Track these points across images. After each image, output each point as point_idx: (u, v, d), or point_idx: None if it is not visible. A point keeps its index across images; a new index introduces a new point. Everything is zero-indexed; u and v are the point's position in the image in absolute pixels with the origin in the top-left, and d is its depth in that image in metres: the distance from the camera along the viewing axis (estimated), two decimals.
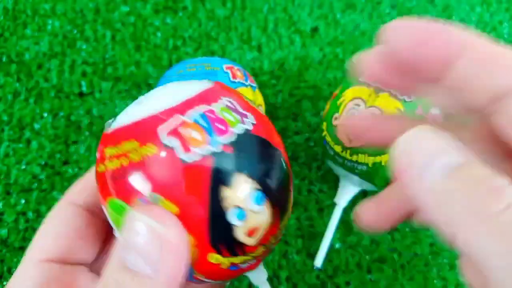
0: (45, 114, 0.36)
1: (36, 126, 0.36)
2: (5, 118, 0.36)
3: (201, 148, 0.13)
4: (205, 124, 0.13)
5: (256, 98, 0.32)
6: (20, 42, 0.39)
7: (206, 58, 0.33)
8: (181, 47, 0.40)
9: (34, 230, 0.32)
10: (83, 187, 0.17)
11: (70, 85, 0.38)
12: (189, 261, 0.13)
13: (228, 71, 0.31)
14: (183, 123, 0.13)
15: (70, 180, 0.34)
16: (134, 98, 0.37)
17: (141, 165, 0.13)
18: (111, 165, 0.14)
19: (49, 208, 0.33)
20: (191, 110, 0.13)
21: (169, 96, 0.14)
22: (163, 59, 0.39)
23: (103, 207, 0.15)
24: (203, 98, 0.14)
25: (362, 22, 0.43)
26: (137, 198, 0.13)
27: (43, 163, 0.35)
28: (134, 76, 0.38)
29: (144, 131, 0.13)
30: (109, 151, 0.14)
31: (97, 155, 0.15)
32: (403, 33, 0.13)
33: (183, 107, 0.14)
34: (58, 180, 0.34)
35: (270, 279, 0.31)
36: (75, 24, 0.40)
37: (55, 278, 0.15)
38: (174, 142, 0.13)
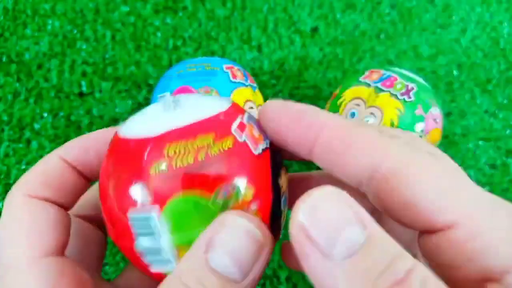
0: (45, 114, 0.36)
1: (36, 126, 0.36)
2: (5, 118, 0.36)
3: (261, 144, 0.15)
4: (255, 125, 0.15)
5: (256, 98, 0.32)
6: (20, 42, 0.39)
7: (206, 58, 0.33)
8: (181, 47, 0.40)
9: None
10: (34, 178, 0.15)
11: (70, 85, 0.38)
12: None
13: (228, 71, 0.31)
14: (242, 123, 0.15)
15: None
16: (134, 98, 0.37)
17: (221, 158, 0.14)
18: (180, 163, 0.14)
19: None
20: (241, 114, 0.15)
21: (203, 107, 0.15)
22: (163, 59, 0.39)
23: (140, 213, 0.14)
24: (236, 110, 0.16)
25: (362, 22, 0.43)
26: (219, 188, 0.14)
27: None
28: (134, 76, 0.38)
29: (218, 127, 0.15)
30: (171, 150, 0.14)
31: (141, 160, 0.14)
32: (276, 116, 0.14)
33: (232, 112, 0.15)
34: None
35: (270, 279, 0.31)
36: (75, 24, 0.40)
37: (61, 273, 0.14)
38: (245, 137, 0.15)
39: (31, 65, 0.38)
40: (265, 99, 0.37)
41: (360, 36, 0.42)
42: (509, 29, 0.44)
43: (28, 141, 0.35)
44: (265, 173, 0.15)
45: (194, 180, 0.14)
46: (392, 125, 0.29)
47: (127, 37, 0.40)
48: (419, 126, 0.28)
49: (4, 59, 0.39)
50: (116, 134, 0.15)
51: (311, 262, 0.10)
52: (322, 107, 0.37)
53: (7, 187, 0.34)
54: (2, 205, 0.33)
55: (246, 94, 0.31)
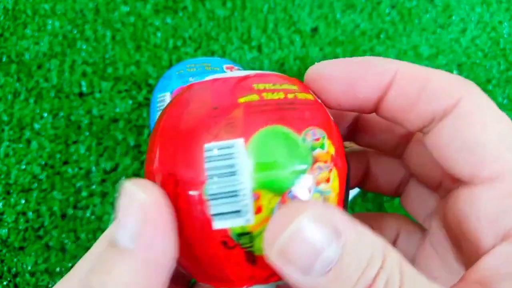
0: (45, 114, 0.36)
1: (36, 126, 0.36)
2: (5, 118, 0.36)
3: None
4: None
5: None
6: (20, 42, 0.39)
7: (206, 58, 0.33)
8: (181, 47, 0.40)
9: (34, 230, 0.33)
10: None
11: (70, 85, 0.38)
12: (175, 243, 0.12)
13: (228, 71, 0.31)
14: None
15: (70, 180, 0.34)
16: (134, 98, 0.37)
17: (308, 104, 0.14)
18: (271, 96, 0.13)
19: (49, 208, 0.33)
20: None
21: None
22: (163, 59, 0.39)
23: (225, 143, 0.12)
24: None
25: (362, 22, 0.43)
26: (308, 129, 0.13)
27: (43, 163, 0.35)
28: (134, 76, 0.38)
29: (298, 83, 0.15)
30: (260, 86, 0.13)
31: (227, 91, 0.13)
32: (334, 72, 0.14)
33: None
34: (58, 180, 0.34)
35: None
36: (75, 24, 0.40)
37: None
38: (321, 102, 0.15)
39: (31, 65, 0.38)
40: None
41: (360, 36, 0.42)
42: (509, 29, 0.44)
43: (28, 141, 0.35)
44: (340, 139, 0.14)
45: (285, 114, 0.13)
46: None
47: (127, 37, 0.40)
48: None
49: (4, 59, 0.39)
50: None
51: (292, 279, 0.11)
52: None
53: (7, 187, 0.34)
54: (2, 205, 0.33)
55: None
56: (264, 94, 0.13)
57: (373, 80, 0.14)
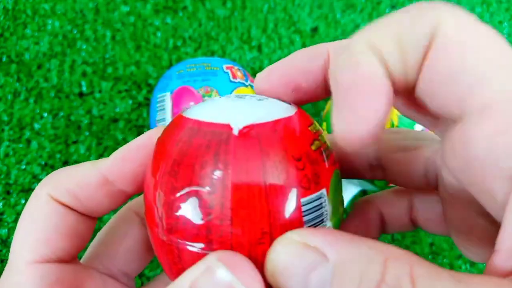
0: (45, 114, 0.36)
1: (36, 126, 0.36)
2: (5, 118, 0.36)
3: None
4: None
5: None
6: (20, 42, 0.39)
7: (206, 58, 0.33)
8: (181, 47, 0.40)
9: None
10: (68, 186, 0.15)
11: (70, 85, 0.38)
12: None
13: (228, 71, 0.31)
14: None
15: None
16: (134, 98, 0.37)
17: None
18: (323, 140, 0.14)
19: None
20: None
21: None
22: (163, 59, 0.39)
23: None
24: None
25: (362, 22, 0.43)
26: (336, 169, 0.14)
27: (43, 163, 0.35)
28: (134, 76, 0.38)
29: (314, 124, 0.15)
30: (313, 128, 0.14)
31: (300, 139, 0.13)
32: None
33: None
34: None
35: None
36: (75, 24, 0.40)
37: (57, 280, 0.14)
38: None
39: (31, 65, 0.38)
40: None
41: None
42: (509, 29, 0.44)
43: (28, 141, 0.35)
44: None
45: (333, 154, 0.14)
46: (392, 125, 0.29)
47: (127, 37, 0.40)
48: (419, 126, 0.28)
49: (4, 59, 0.39)
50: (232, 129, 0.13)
51: None
52: (322, 108, 0.37)
53: (7, 187, 0.34)
54: (2, 205, 0.33)
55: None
56: (320, 138, 0.14)
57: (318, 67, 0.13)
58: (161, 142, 0.14)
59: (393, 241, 0.33)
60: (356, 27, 0.42)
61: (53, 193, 0.14)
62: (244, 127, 0.12)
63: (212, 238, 0.12)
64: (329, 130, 0.30)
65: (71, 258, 0.15)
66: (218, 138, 0.12)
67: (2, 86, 0.37)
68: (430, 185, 0.16)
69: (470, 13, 0.11)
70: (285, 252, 0.11)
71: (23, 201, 0.33)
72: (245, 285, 0.11)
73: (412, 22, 0.11)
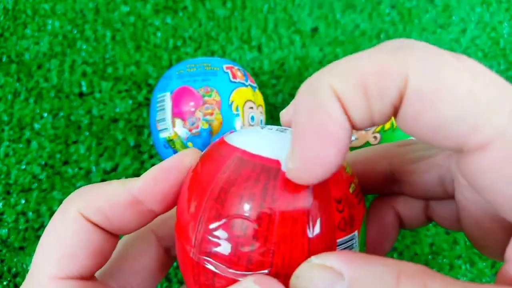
0: (45, 114, 0.36)
1: (36, 126, 0.36)
2: (5, 118, 0.36)
3: None
4: None
5: (256, 98, 0.32)
6: (20, 42, 0.39)
7: (206, 58, 0.33)
8: (181, 47, 0.40)
9: (34, 230, 0.33)
10: (98, 205, 0.15)
11: (70, 85, 0.38)
12: None
13: (228, 71, 0.31)
14: None
15: (70, 180, 0.34)
16: (134, 98, 0.37)
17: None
18: (357, 181, 0.15)
19: (49, 208, 0.33)
20: None
21: None
22: (163, 59, 0.39)
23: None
24: None
25: (362, 22, 0.43)
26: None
27: (43, 163, 0.35)
28: (134, 76, 0.38)
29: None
30: (348, 170, 0.14)
31: (341, 183, 0.13)
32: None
33: None
34: (58, 180, 0.34)
35: None
36: (75, 24, 0.40)
37: None
38: None
39: (31, 65, 0.38)
40: (265, 99, 0.37)
41: (360, 36, 0.42)
42: (509, 29, 0.44)
43: (28, 141, 0.35)
44: None
45: (363, 197, 0.14)
46: (392, 125, 0.29)
47: (127, 37, 0.40)
48: None
49: (4, 59, 0.39)
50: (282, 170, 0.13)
51: None
52: None
53: (7, 187, 0.34)
54: (2, 205, 0.33)
55: (246, 94, 0.31)
56: (355, 180, 0.14)
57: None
58: (206, 167, 0.14)
59: None
60: (356, 27, 0.42)
61: (83, 210, 0.15)
62: None
63: (251, 267, 0.12)
64: None
65: (91, 275, 0.15)
66: (267, 172, 0.13)
67: (2, 86, 0.37)
68: (447, 193, 0.16)
69: (440, 51, 0.11)
70: (304, 274, 0.12)
71: (23, 201, 0.33)
72: None
73: (380, 72, 0.11)
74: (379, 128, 0.30)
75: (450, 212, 0.17)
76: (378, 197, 0.19)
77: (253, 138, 0.14)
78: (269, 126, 0.15)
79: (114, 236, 0.16)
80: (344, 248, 0.13)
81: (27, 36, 0.40)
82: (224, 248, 0.12)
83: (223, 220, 0.12)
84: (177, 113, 0.30)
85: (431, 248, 0.33)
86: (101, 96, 0.37)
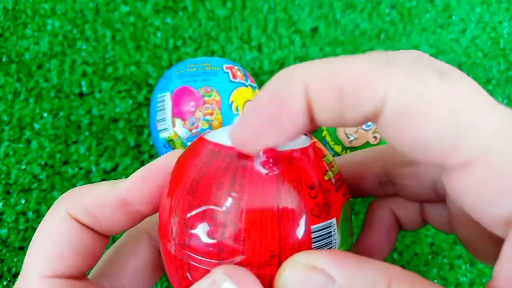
0: (45, 114, 0.36)
1: (36, 126, 0.36)
2: (5, 118, 0.36)
3: None
4: None
5: None
6: (20, 42, 0.39)
7: (206, 58, 0.33)
8: (181, 47, 0.40)
9: (34, 230, 0.33)
10: (86, 205, 0.15)
11: (70, 85, 0.38)
12: None
13: (228, 71, 0.31)
14: None
15: (70, 180, 0.34)
16: (134, 98, 0.37)
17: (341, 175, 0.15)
18: (336, 170, 0.14)
19: (49, 208, 0.33)
20: None
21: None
22: (163, 59, 0.39)
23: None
24: None
25: (362, 22, 0.43)
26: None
27: (43, 163, 0.35)
28: (134, 76, 0.38)
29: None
30: (326, 159, 0.14)
31: (312, 169, 0.13)
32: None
33: None
34: (58, 180, 0.34)
35: None
36: (75, 24, 0.40)
37: None
38: None
39: (31, 65, 0.38)
40: None
41: (360, 36, 0.42)
42: (509, 29, 0.44)
43: (28, 141, 0.35)
44: None
45: (345, 186, 0.14)
46: None
47: (127, 37, 0.40)
48: None
49: (4, 59, 0.39)
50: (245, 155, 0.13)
51: None
52: None
53: (7, 187, 0.34)
54: (2, 205, 0.33)
55: (246, 94, 0.31)
56: (333, 169, 0.14)
57: (288, 114, 0.12)
58: (181, 162, 0.14)
59: None
60: (356, 27, 0.42)
61: (72, 210, 0.15)
62: (262, 154, 0.13)
63: (223, 256, 0.12)
64: (329, 130, 0.30)
65: (82, 275, 0.15)
66: (237, 161, 0.13)
67: (2, 86, 0.37)
68: (440, 197, 0.16)
69: (426, 69, 0.10)
70: (293, 276, 0.11)
71: (23, 201, 0.33)
72: None
73: (360, 83, 0.10)
74: None
75: (444, 215, 0.17)
76: (375, 200, 0.19)
77: (228, 132, 0.14)
78: None
79: (104, 236, 0.16)
80: (321, 235, 0.13)
81: (27, 36, 0.40)
82: (197, 238, 0.12)
83: (195, 211, 0.13)
84: (177, 113, 0.30)
85: (431, 248, 0.33)
86: (101, 96, 0.37)
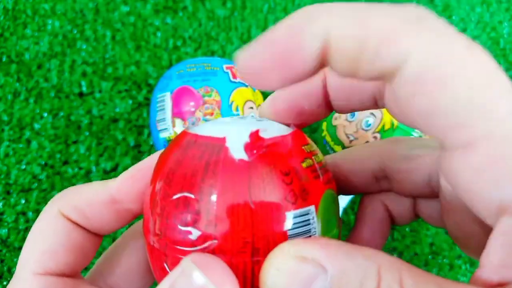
0: (45, 114, 0.36)
1: (36, 126, 0.36)
2: (5, 118, 0.36)
3: None
4: None
5: (256, 98, 0.32)
6: (20, 42, 0.39)
7: (206, 58, 0.33)
8: (181, 47, 0.40)
9: None
10: (77, 204, 0.15)
11: (70, 85, 0.38)
12: None
13: (228, 71, 0.31)
14: None
15: (70, 180, 0.34)
16: (134, 98, 0.37)
17: (324, 164, 0.15)
18: (317, 159, 0.14)
19: None
20: None
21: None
22: (163, 59, 0.39)
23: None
24: None
25: None
26: (335, 189, 0.15)
27: (43, 163, 0.35)
28: (134, 76, 0.38)
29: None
30: (307, 148, 0.14)
31: (289, 156, 0.13)
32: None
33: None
34: (58, 180, 0.34)
35: None
36: (75, 24, 0.40)
37: None
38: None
39: (31, 65, 0.38)
40: (265, 99, 0.37)
41: None
42: (509, 29, 0.44)
43: (28, 141, 0.35)
44: None
45: (328, 175, 0.14)
46: (392, 125, 0.29)
47: (127, 37, 0.40)
48: None
49: (4, 59, 0.39)
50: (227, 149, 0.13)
51: None
52: None
53: (7, 187, 0.34)
54: (2, 205, 0.33)
55: (246, 94, 0.31)
56: (315, 157, 0.14)
57: (303, 57, 0.11)
58: (162, 155, 0.14)
59: (393, 241, 0.33)
60: None
61: (63, 209, 0.15)
62: (243, 142, 0.13)
63: (197, 243, 0.12)
64: (329, 130, 0.30)
65: (74, 273, 0.15)
66: (211, 149, 0.13)
67: (2, 86, 0.37)
68: (434, 193, 0.16)
69: (455, 36, 0.10)
70: (284, 268, 0.11)
71: (23, 201, 0.33)
72: (216, 285, 0.11)
73: (385, 36, 0.10)
74: (379, 128, 0.30)
75: (436, 210, 0.17)
76: (367, 194, 0.19)
77: (209, 125, 0.14)
78: (233, 116, 0.15)
79: (96, 236, 0.16)
80: (297, 222, 0.12)
81: (27, 36, 0.40)
82: (173, 227, 0.12)
83: (170, 199, 0.13)
84: (177, 113, 0.30)
85: (431, 248, 0.33)
86: (101, 96, 0.37)
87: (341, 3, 0.11)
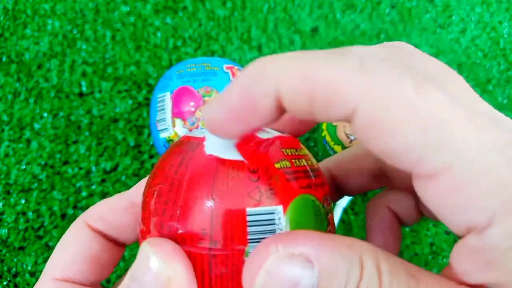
0: (45, 114, 0.36)
1: (36, 126, 0.36)
2: (5, 118, 0.36)
3: None
4: None
5: None
6: (20, 42, 0.39)
7: (206, 58, 0.33)
8: (181, 47, 0.40)
9: (34, 230, 0.33)
10: (101, 213, 0.16)
11: (70, 85, 0.38)
12: None
13: (228, 71, 0.31)
14: None
15: (70, 180, 0.34)
16: (134, 98, 0.37)
17: (320, 172, 0.15)
18: (299, 163, 0.14)
19: (49, 208, 0.33)
20: None
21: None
22: (163, 59, 0.39)
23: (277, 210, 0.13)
24: None
25: (362, 22, 0.43)
26: (325, 196, 0.15)
27: (43, 163, 0.35)
28: (134, 76, 0.38)
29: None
30: (287, 151, 0.14)
31: (265, 155, 0.13)
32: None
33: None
34: (58, 180, 0.34)
35: None
36: (75, 24, 0.40)
37: None
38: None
39: (31, 65, 0.38)
40: None
41: (360, 36, 0.42)
42: (509, 29, 0.44)
43: (28, 141, 0.35)
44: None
45: (310, 181, 0.14)
46: None
47: (127, 37, 0.40)
48: None
49: (4, 59, 0.39)
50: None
51: None
52: None
53: (7, 187, 0.34)
54: (2, 205, 0.33)
55: None
56: (294, 161, 0.14)
57: (258, 113, 0.12)
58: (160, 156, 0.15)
59: None
60: (356, 27, 0.42)
61: (88, 219, 0.16)
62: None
63: (163, 232, 0.13)
64: (329, 130, 0.30)
65: (93, 283, 0.16)
66: (190, 146, 0.14)
67: (2, 86, 0.37)
68: None
69: (401, 79, 0.10)
70: (271, 270, 0.11)
71: (23, 201, 0.33)
72: (164, 261, 0.12)
73: (332, 90, 0.11)
74: None
75: None
76: (371, 201, 0.19)
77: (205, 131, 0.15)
78: None
79: (116, 246, 0.17)
80: (260, 220, 0.13)
81: (27, 36, 0.40)
82: (148, 216, 0.13)
83: (150, 191, 0.14)
84: (177, 113, 0.30)
85: (431, 248, 0.33)
86: (101, 96, 0.37)
87: (289, 55, 0.12)
